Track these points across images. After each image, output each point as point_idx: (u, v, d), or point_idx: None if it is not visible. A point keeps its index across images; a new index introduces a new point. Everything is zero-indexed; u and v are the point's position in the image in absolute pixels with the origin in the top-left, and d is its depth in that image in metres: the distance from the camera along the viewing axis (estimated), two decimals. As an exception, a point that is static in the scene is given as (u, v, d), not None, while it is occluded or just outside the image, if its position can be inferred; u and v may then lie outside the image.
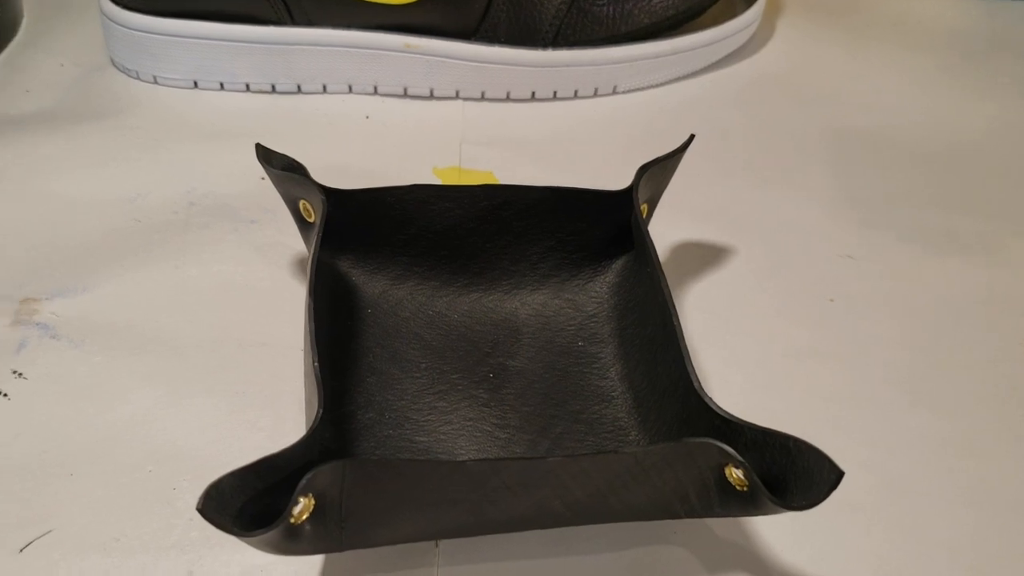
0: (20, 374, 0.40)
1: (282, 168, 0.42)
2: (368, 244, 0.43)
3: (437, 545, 0.34)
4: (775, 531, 0.35)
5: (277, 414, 0.38)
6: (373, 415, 0.38)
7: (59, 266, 0.45)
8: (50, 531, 0.34)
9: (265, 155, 0.42)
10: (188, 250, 0.46)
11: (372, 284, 0.43)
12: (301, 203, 0.42)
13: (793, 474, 0.30)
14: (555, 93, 0.59)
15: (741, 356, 0.43)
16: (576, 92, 0.59)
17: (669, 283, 0.45)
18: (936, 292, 0.47)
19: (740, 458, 0.30)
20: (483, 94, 0.59)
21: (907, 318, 0.45)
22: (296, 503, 0.28)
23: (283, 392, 0.39)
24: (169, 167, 0.52)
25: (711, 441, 0.30)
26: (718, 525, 0.36)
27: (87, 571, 0.33)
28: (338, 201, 0.41)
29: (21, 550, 0.33)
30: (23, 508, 0.35)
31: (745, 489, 0.31)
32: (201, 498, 0.27)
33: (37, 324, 0.42)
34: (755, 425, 0.31)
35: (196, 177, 0.51)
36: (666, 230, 0.49)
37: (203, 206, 0.49)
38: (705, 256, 0.48)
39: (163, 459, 0.37)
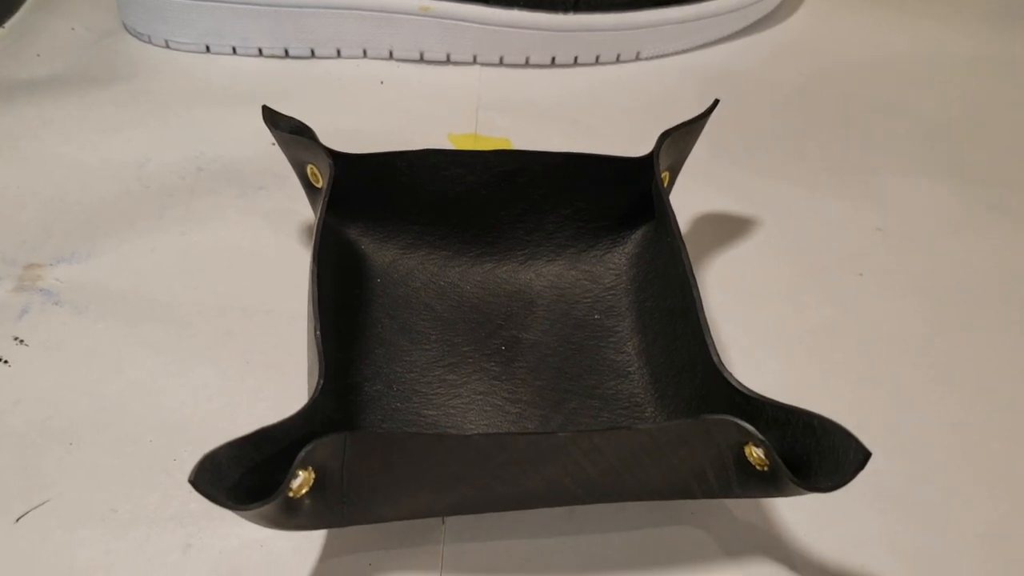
0: (21, 341, 0.39)
1: (289, 131, 0.41)
2: (378, 211, 0.41)
3: (443, 522, 0.33)
4: (797, 514, 0.34)
5: (281, 384, 0.37)
6: (381, 387, 0.37)
7: (65, 232, 0.44)
8: (47, 501, 0.33)
9: (271, 118, 0.40)
10: (194, 216, 0.45)
11: (382, 253, 0.42)
12: (308, 167, 0.40)
13: (817, 454, 0.29)
14: (576, 59, 0.57)
15: (764, 332, 0.41)
16: (598, 58, 0.57)
17: (690, 254, 0.43)
18: (970, 267, 0.45)
19: (760, 436, 0.28)
20: (501, 59, 0.57)
21: (938, 295, 0.43)
22: (295, 476, 0.27)
23: (288, 362, 0.38)
24: (179, 132, 0.51)
25: (730, 418, 0.28)
26: (737, 506, 0.34)
27: (83, 542, 0.32)
28: (346, 165, 0.40)
29: (17, 520, 0.32)
30: (21, 477, 0.34)
31: (766, 469, 0.29)
32: (194, 469, 0.25)
33: (40, 290, 0.41)
34: (777, 402, 0.30)
35: (205, 142, 0.50)
36: (688, 199, 0.47)
37: (211, 171, 0.48)
38: (728, 227, 0.46)
39: (165, 429, 0.36)
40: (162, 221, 0.45)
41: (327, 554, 0.32)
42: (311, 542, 0.32)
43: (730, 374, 0.31)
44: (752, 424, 0.29)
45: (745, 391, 0.31)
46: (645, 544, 0.33)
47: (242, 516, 0.26)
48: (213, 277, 0.42)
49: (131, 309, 0.40)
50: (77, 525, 0.32)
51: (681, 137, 0.41)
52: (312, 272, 0.34)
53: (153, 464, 0.34)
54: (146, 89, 0.54)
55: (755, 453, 0.29)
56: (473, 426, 0.36)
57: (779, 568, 0.32)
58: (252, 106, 0.52)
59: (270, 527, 0.29)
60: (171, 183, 0.47)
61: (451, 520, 0.33)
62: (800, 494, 0.29)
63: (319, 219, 0.37)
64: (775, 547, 0.33)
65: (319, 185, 0.40)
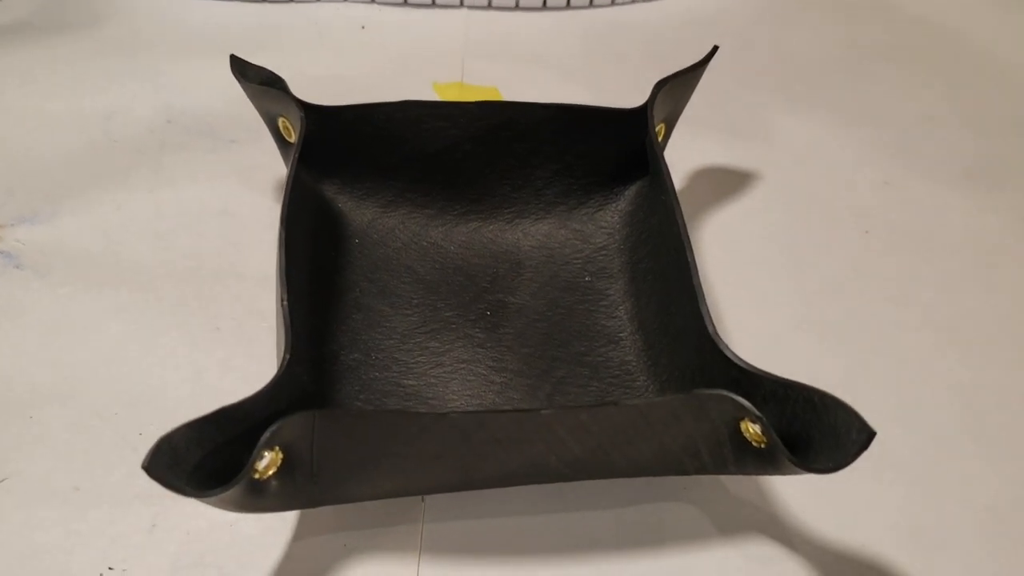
0: (-20, 307, 0.37)
1: (259, 82, 0.38)
2: (355, 167, 0.39)
3: (423, 500, 0.31)
4: (795, 489, 0.32)
5: (252, 353, 0.35)
6: (358, 356, 0.35)
7: (27, 189, 0.42)
8: (5, 479, 0.31)
9: (240, 67, 0.38)
10: (163, 172, 0.43)
11: (360, 211, 0.39)
12: (280, 121, 0.38)
13: (818, 431, 0.27)
14: (568, 1, 0.54)
15: (763, 294, 0.39)
16: (591, 0, 0.54)
17: (686, 212, 0.41)
18: (980, 223, 0.42)
19: (757, 412, 0.26)
20: (490, 2, 0.54)
21: (946, 253, 0.41)
22: (260, 457, 0.25)
23: (260, 328, 0.36)
24: (148, 82, 0.48)
25: (725, 393, 0.27)
26: (732, 482, 0.32)
27: (44, 522, 0.30)
28: (320, 119, 0.37)
29: (-26, 499, 0.31)
30: (-23, 453, 0.32)
31: (763, 446, 0.27)
32: (148, 454, 0.24)
33: (0, 252, 0.39)
34: (776, 376, 0.28)
35: (175, 92, 0.47)
36: (685, 152, 0.45)
37: (181, 124, 0.45)
38: (727, 182, 0.44)
39: (131, 401, 0.34)
40: (129, 178, 0.43)
41: (299, 534, 0.30)
42: (283, 522, 0.30)
43: (726, 346, 0.29)
44: (749, 398, 0.27)
45: (741, 364, 0.29)
46: (635, 521, 0.31)
47: (204, 502, 0.25)
48: (182, 238, 0.40)
49: (96, 273, 0.38)
50: (37, 504, 0.31)
51: (677, 87, 0.38)
52: (280, 237, 0.31)
53: (118, 439, 0.33)
54: (114, 36, 0.51)
55: (751, 429, 0.27)
56: (455, 396, 0.34)
57: (776, 546, 0.31)
58: (225, 54, 0.48)
59: (235, 511, 0.27)
60: (139, 137, 0.45)
61: (431, 498, 0.31)
62: (798, 473, 0.27)
63: (289, 177, 0.34)
64: (772, 524, 0.31)
65: (291, 140, 0.38)
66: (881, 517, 0.32)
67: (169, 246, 0.39)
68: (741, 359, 0.29)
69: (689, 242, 0.32)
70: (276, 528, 0.30)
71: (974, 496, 0.32)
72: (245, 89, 0.38)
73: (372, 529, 0.31)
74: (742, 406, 0.27)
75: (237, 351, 0.36)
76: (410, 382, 0.34)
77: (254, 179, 0.43)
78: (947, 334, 0.38)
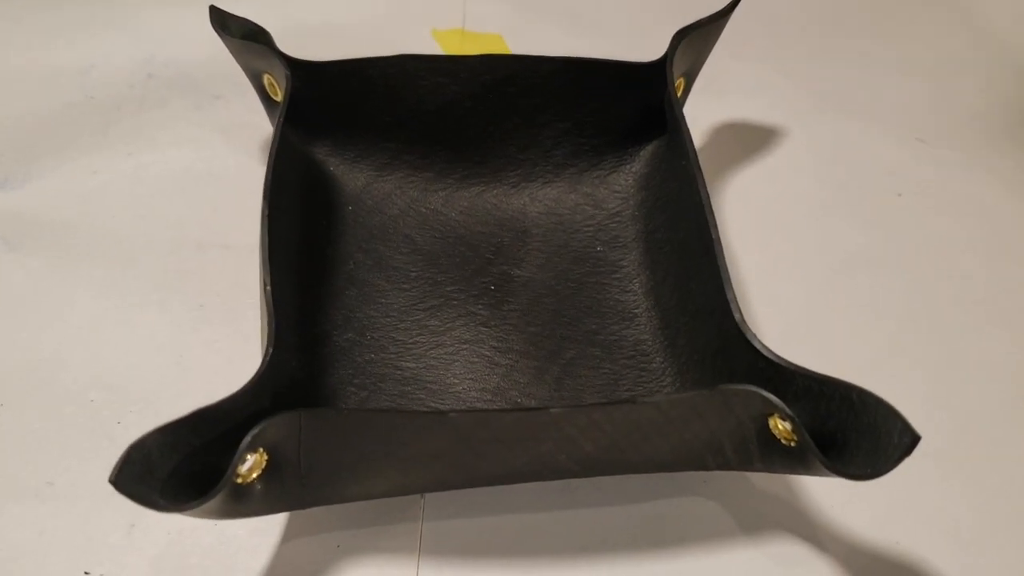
0: (-53, 282, 0.34)
1: (242, 36, 0.35)
2: (348, 128, 0.36)
3: (423, 497, 0.29)
4: (826, 483, 0.30)
5: (239, 332, 0.33)
6: (352, 335, 0.32)
7: (-2, 152, 0.39)
8: (-27, 473, 0.29)
9: (220, 20, 0.35)
10: (143, 132, 0.40)
11: (353, 175, 0.36)
12: (265, 77, 0.35)
13: (855, 432, 0.24)
14: (579, -61, 0.50)
15: (788, 263, 0.36)
16: (603, -62, 0.50)
17: (706, 172, 0.38)
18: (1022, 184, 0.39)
19: (788, 410, 0.24)
20: (493, -59, 0.50)
21: (985, 217, 0.38)
22: (243, 461, 0.23)
23: (246, 305, 0.34)
24: (127, 33, 0.45)
25: (754, 389, 0.24)
26: (756, 475, 0.30)
27: (16, 521, 0.28)
28: (309, 75, 0.34)
29: (-60, 495, 0.29)
30: (-57, 445, 0.30)
31: (793, 444, 0.25)
32: (116, 465, 0.21)
33: (-32, 222, 0.36)
34: (810, 371, 0.25)
35: (156, 44, 0.44)
36: (705, 107, 0.41)
37: (163, 78, 0.42)
38: (750, 141, 0.41)
39: (109, 387, 0.31)
40: (107, 138, 0.40)
41: (290, 535, 0.28)
42: (272, 523, 0.28)
43: (755, 336, 0.27)
44: (778, 394, 0.24)
45: (773, 357, 0.26)
46: (648, 518, 0.29)
47: (183, 515, 0.22)
48: (163, 205, 0.37)
49: (71, 244, 0.36)
50: (7, 501, 0.29)
51: (699, 38, 0.35)
52: (263, 213, 0.29)
53: (95, 428, 0.30)
54: (90, -19, 0.47)
55: (781, 426, 0.25)
56: (457, 380, 0.31)
57: (803, 545, 0.28)
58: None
59: (218, 518, 0.25)
60: (118, 93, 0.42)
61: (431, 495, 0.29)
62: (831, 476, 0.24)
63: (275, 141, 0.31)
64: (799, 521, 0.29)
65: (277, 99, 0.35)
66: (919, 513, 0.29)
67: (149, 214, 0.37)
68: (772, 352, 0.26)
69: (713, 217, 0.29)
70: (264, 529, 0.28)
71: (1020, 488, 0.30)
72: (227, 43, 0.35)
73: (368, 528, 0.28)
74: (772, 403, 0.24)
75: (222, 330, 0.33)
76: (408, 364, 0.32)
77: (241, 138, 0.40)
78: (990, 308, 0.35)
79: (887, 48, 0.45)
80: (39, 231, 0.36)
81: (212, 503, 0.22)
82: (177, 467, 0.23)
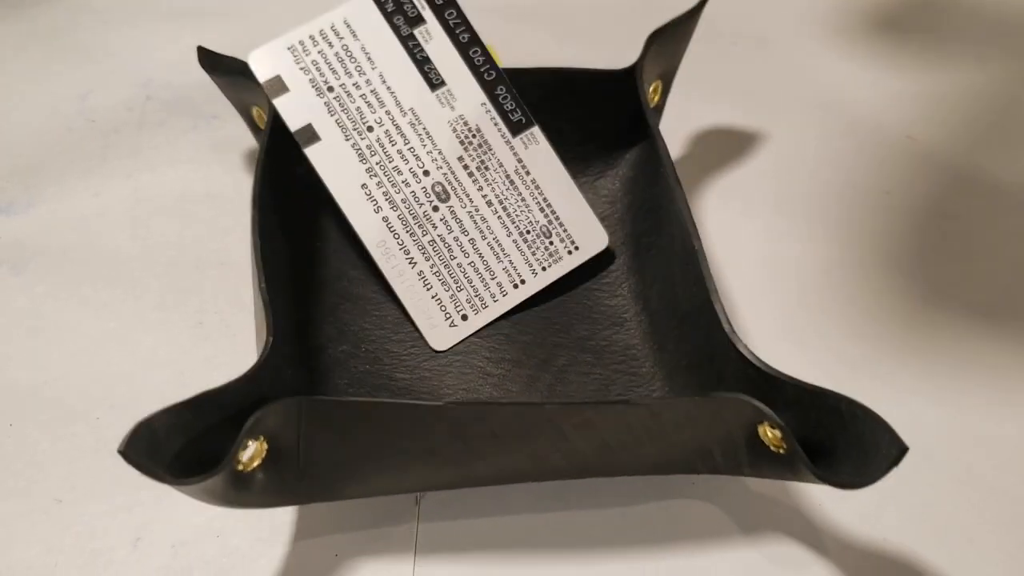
0: (-45, 308, 0.35)
1: (230, 73, 0.36)
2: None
3: (418, 500, 0.30)
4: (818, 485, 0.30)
5: (237, 348, 0.34)
6: (347, 348, 0.33)
7: (2, 178, 0.40)
8: (-16, 493, 0.30)
9: (210, 60, 0.36)
10: (142, 154, 0.41)
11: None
12: (254, 109, 0.36)
13: (844, 441, 0.25)
14: (566, -52, 0.51)
15: (776, 267, 0.37)
16: (590, -54, 0.51)
17: (689, 176, 0.38)
18: (1011, 184, 0.40)
19: (778, 419, 0.24)
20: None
21: (979, 214, 0.38)
22: (244, 446, 0.24)
23: (244, 322, 0.34)
24: (124, 56, 0.46)
25: (745, 398, 0.25)
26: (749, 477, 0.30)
27: (25, 536, 0.29)
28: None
29: (-48, 516, 0.30)
30: (-44, 466, 0.31)
31: (782, 451, 0.25)
32: (125, 438, 0.22)
33: (-24, 248, 0.37)
34: (799, 381, 0.26)
35: (153, 66, 0.45)
36: (687, 109, 0.42)
37: (161, 100, 0.43)
38: (734, 141, 0.41)
39: (113, 405, 0.32)
40: (107, 162, 0.41)
41: (288, 543, 0.29)
42: (272, 532, 0.29)
43: (744, 346, 0.27)
44: (767, 402, 0.25)
45: (761, 366, 0.27)
46: (643, 519, 0.29)
47: (185, 492, 0.23)
48: (162, 225, 0.38)
49: (73, 267, 0.36)
50: (17, 518, 0.29)
51: (670, 38, 0.35)
52: (253, 219, 0.29)
53: (99, 446, 0.31)
54: (88, 6, 0.48)
55: (770, 433, 0.25)
56: (450, 391, 0.32)
57: (798, 545, 0.29)
58: (204, 20, 0.47)
59: (220, 504, 0.25)
60: (117, 116, 0.43)
61: (427, 496, 0.30)
62: (819, 484, 0.25)
63: (258, 168, 0.32)
64: (793, 521, 0.29)
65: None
66: (910, 512, 0.30)
67: (148, 234, 0.38)
68: (762, 361, 0.27)
69: (694, 226, 0.30)
70: (265, 538, 0.29)
71: (1010, 490, 0.30)
72: (216, 82, 0.36)
73: (365, 531, 0.29)
74: (762, 412, 0.25)
75: (222, 346, 0.34)
76: (402, 376, 0.32)
77: (237, 158, 0.41)
78: (981, 310, 0.35)
79: (873, 46, 0.46)
80: (43, 256, 0.37)
81: (213, 484, 0.23)
82: (182, 450, 0.24)
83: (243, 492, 0.25)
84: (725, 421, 0.25)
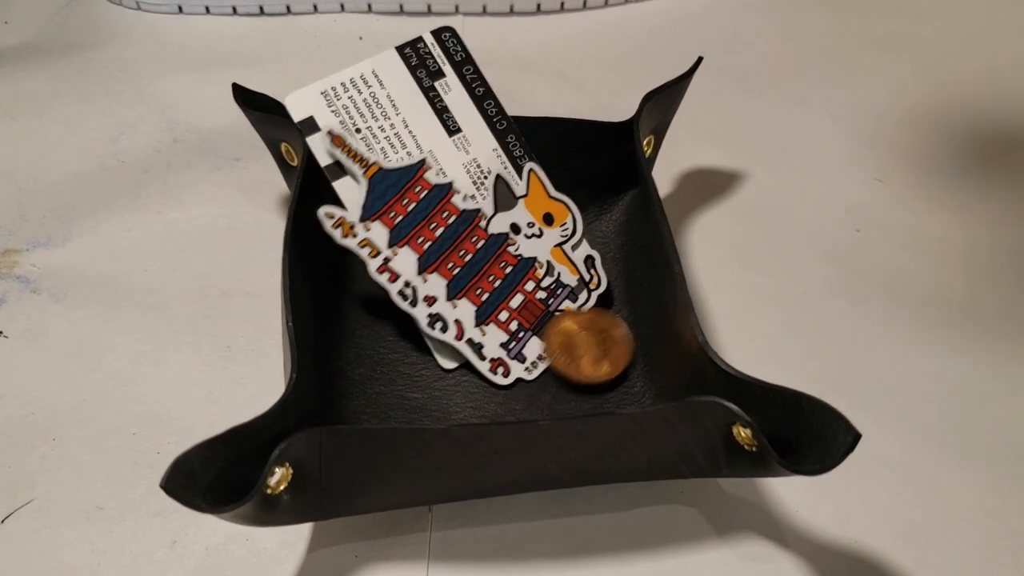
0: (1, 332, 0.38)
1: (260, 110, 0.39)
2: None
3: (430, 509, 0.33)
4: (793, 489, 0.33)
5: (262, 370, 0.37)
6: (364, 370, 0.36)
7: (41, 214, 0.43)
8: (32, 500, 0.33)
9: (243, 96, 0.39)
10: (171, 192, 0.44)
11: (362, 227, 0.40)
12: (283, 146, 0.39)
13: (806, 435, 0.28)
14: (562, 4, 0.55)
15: (757, 295, 0.40)
16: (585, 2, 0.55)
17: (677, 216, 0.42)
18: (970, 218, 0.43)
19: (747, 417, 0.27)
20: (484, 8, 0.54)
21: (939, 250, 0.42)
22: (271, 473, 0.26)
23: (269, 345, 0.37)
24: (152, 101, 0.49)
25: (716, 400, 0.28)
26: (729, 483, 0.34)
27: (70, 541, 0.32)
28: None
29: (3, 520, 0.32)
30: (4, 476, 0.33)
31: (754, 450, 0.28)
32: (165, 474, 0.25)
33: (18, 278, 0.40)
34: (763, 382, 0.29)
35: (180, 111, 0.48)
36: (675, 156, 0.46)
37: (187, 143, 0.46)
38: (720, 183, 0.45)
39: (148, 421, 0.35)
40: (138, 199, 0.44)
41: (313, 547, 0.32)
42: (297, 535, 0.32)
43: (715, 353, 0.30)
44: (739, 404, 0.28)
45: (730, 371, 0.30)
46: (635, 524, 0.32)
47: (220, 518, 0.26)
48: (191, 257, 0.41)
49: (109, 295, 0.39)
50: (62, 524, 0.32)
51: (664, 99, 0.39)
52: (284, 261, 0.33)
53: (137, 458, 0.34)
54: (118, 56, 0.52)
55: (743, 433, 0.28)
56: (459, 409, 0.35)
57: (771, 545, 0.32)
58: (227, 70, 0.50)
59: (251, 525, 0.28)
60: (147, 157, 0.46)
61: (438, 507, 0.33)
62: (788, 475, 0.28)
63: (292, 201, 0.35)
64: (767, 523, 0.32)
65: (294, 163, 0.39)
66: (875, 513, 0.33)
67: (178, 266, 0.41)
68: (730, 366, 0.30)
69: (677, 255, 0.33)
70: (291, 541, 0.32)
71: (965, 492, 0.33)
72: (248, 116, 0.39)
73: (382, 538, 0.32)
74: (733, 412, 0.28)
75: (248, 368, 0.37)
76: (415, 395, 0.35)
77: (258, 197, 0.44)
78: (939, 333, 0.39)
79: (847, 96, 0.50)
80: (81, 284, 0.40)
81: (245, 509, 0.26)
82: (216, 480, 0.27)
83: (271, 513, 0.27)
84: (702, 424, 0.28)
